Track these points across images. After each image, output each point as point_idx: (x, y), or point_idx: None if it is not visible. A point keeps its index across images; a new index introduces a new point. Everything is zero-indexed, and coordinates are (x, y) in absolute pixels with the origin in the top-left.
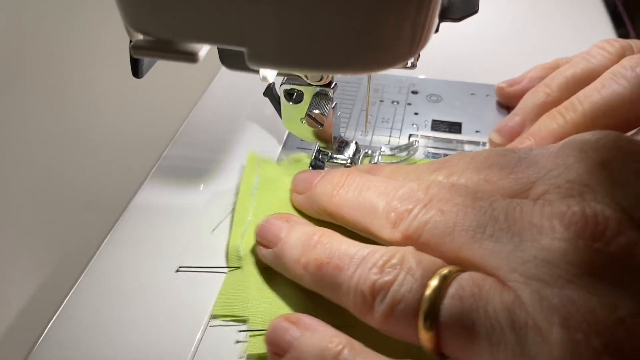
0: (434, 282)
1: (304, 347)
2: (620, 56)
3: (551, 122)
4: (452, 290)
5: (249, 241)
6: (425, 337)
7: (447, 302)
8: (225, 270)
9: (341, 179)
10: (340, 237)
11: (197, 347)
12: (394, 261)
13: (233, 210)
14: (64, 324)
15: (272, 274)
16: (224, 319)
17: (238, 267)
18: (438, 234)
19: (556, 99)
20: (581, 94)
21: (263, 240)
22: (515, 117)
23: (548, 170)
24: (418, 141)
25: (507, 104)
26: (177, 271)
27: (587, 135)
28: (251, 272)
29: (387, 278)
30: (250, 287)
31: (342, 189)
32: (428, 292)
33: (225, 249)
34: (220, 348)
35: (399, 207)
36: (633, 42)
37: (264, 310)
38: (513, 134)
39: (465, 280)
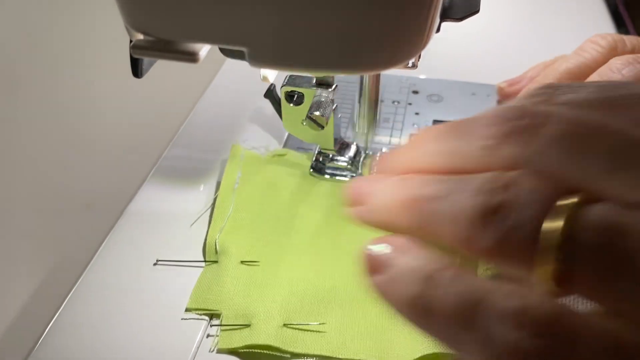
0: (563, 211)
1: (403, 264)
2: (613, 49)
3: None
4: (590, 219)
5: (228, 236)
6: (547, 270)
7: (585, 234)
8: (203, 264)
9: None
10: (429, 175)
11: (198, 348)
12: (505, 181)
13: (213, 204)
14: (64, 324)
15: (249, 269)
16: (198, 312)
17: (215, 262)
18: (557, 165)
19: None
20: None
21: (354, 201)
22: None
23: None
24: None
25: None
26: (155, 264)
27: None
28: (227, 266)
29: (500, 198)
30: (225, 282)
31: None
32: (557, 220)
33: (203, 243)
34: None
35: (498, 134)
36: (625, 36)
37: (237, 304)
38: None
39: (605, 210)
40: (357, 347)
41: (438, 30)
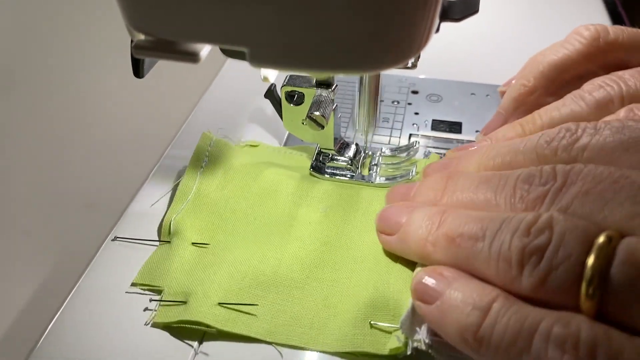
0: (597, 247)
1: (455, 295)
2: (595, 40)
3: (510, 131)
4: (620, 255)
5: (185, 218)
6: (588, 304)
7: (617, 269)
8: (157, 243)
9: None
10: (465, 211)
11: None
12: (541, 224)
13: (176, 186)
14: (64, 324)
15: (198, 250)
16: (142, 287)
17: (168, 242)
18: (585, 215)
19: (532, 89)
20: (542, 110)
21: (385, 229)
22: (497, 115)
23: None
24: (418, 142)
25: None
26: (113, 240)
27: None
28: (178, 246)
29: (539, 242)
30: (173, 261)
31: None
32: (592, 257)
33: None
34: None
35: (528, 199)
36: (610, 27)
37: (179, 282)
38: (486, 133)
39: (635, 244)
40: (288, 332)
41: (437, 30)
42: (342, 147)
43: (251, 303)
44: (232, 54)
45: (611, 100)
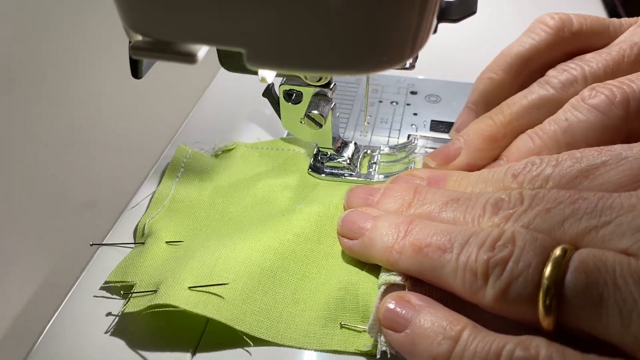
0: (553, 258)
1: (425, 323)
2: (560, 30)
3: (481, 124)
4: (574, 264)
5: (158, 222)
6: (545, 313)
7: (571, 277)
8: (132, 246)
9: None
10: (432, 222)
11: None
12: (504, 239)
13: (154, 193)
14: (63, 324)
15: (171, 247)
16: (115, 284)
17: (142, 243)
18: (545, 230)
19: (500, 81)
20: (510, 100)
21: (348, 233)
22: (467, 109)
23: None
24: (417, 137)
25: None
26: (92, 245)
27: None
28: (152, 245)
29: (501, 255)
30: (146, 258)
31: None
32: (549, 267)
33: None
34: None
35: (494, 219)
36: (574, 15)
37: (151, 276)
38: (458, 130)
39: (586, 255)
40: (256, 323)
41: (435, 31)
42: (341, 146)
43: (221, 283)
44: (229, 67)
45: (575, 80)
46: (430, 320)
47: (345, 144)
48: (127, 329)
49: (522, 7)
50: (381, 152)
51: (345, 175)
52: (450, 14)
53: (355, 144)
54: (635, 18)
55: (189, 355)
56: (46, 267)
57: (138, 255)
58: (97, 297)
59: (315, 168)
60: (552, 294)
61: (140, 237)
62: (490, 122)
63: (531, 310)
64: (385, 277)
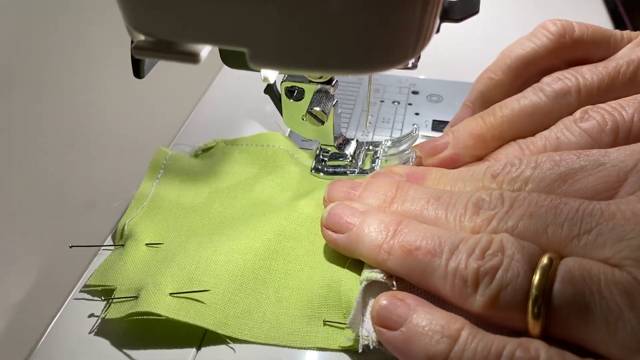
0: (541, 268)
1: (422, 321)
2: (561, 36)
3: (471, 123)
4: (561, 274)
5: (138, 223)
6: (534, 321)
7: (558, 286)
8: (112, 248)
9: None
10: (420, 224)
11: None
12: (494, 248)
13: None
14: (64, 324)
15: (151, 250)
16: (96, 288)
17: (122, 245)
18: (529, 236)
19: (499, 82)
20: (502, 102)
21: (334, 226)
22: (464, 107)
23: None
24: (418, 127)
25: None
26: (71, 247)
27: None
28: (131, 247)
29: (491, 264)
30: (126, 261)
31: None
32: (537, 277)
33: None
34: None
35: (476, 220)
36: (576, 23)
37: (132, 280)
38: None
39: (572, 265)
40: (240, 325)
41: (438, 30)
42: (343, 143)
43: (202, 289)
44: (232, 64)
45: (569, 92)
46: (428, 318)
47: (347, 141)
48: (133, 326)
49: (524, 7)
50: (384, 146)
51: (348, 172)
52: (453, 14)
53: (357, 141)
54: (636, 32)
55: (193, 350)
56: (46, 267)
57: (118, 258)
58: (78, 299)
59: (318, 169)
60: (541, 303)
61: (119, 239)
62: (481, 122)
63: (519, 317)
64: (368, 274)
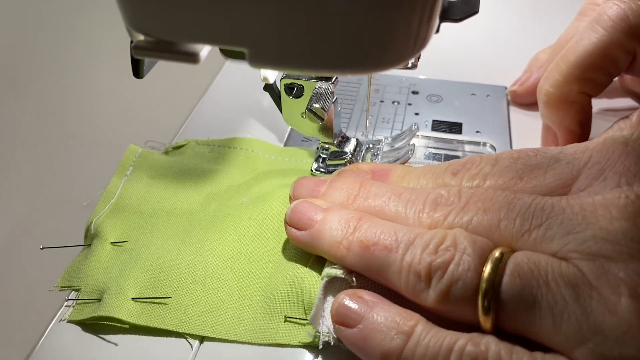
0: (491, 262)
1: (378, 319)
2: (624, 19)
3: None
4: (509, 268)
5: (104, 221)
6: (484, 314)
7: (507, 280)
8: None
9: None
10: (380, 220)
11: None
12: (447, 242)
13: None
14: (64, 324)
15: (116, 249)
16: (63, 288)
17: (89, 245)
18: (483, 231)
19: (566, 89)
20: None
21: (297, 223)
22: (546, 128)
23: (592, 164)
24: (417, 124)
25: (523, 102)
26: (42, 249)
27: (626, 132)
28: (97, 247)
29: (443, 258)
30: (91, 261)
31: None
32: (487, 271)
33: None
34: None
35: (433, 215)
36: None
37: (96, 280)
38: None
39: (520, 258)
40: (201, 323)
41: (438, 30)
42: (342, 141)
43: (164, 296)
44: (231, 54)
45: None
46: (384, 315)
47: (346, 139)
48: (133, 326)
49: (525, 7)
50: (384, 143)
51: None
52: (453, 14)
53: (357, 139)
54: None
55: (193, 351)
56: (46, 267)
57: (84, 258)
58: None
59: (318, 169)
60: (490, 297)
61: (88, 238)
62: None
63: (471, 311)
64: (328, 270)
